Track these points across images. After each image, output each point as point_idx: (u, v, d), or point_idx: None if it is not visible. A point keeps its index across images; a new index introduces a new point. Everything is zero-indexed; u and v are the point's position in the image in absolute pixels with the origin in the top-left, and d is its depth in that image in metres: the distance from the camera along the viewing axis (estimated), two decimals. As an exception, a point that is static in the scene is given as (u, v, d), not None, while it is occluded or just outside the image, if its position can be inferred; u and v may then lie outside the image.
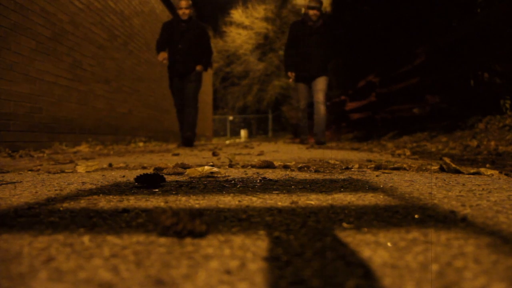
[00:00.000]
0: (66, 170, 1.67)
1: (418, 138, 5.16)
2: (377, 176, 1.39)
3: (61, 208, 0.80)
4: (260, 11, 28.19)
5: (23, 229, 0.63)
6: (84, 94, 5.12)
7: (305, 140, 5.79)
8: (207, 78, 15.04)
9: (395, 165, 1.75)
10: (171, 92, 5.29)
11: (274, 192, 1.01)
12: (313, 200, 0.89)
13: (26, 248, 0.52)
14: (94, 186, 1.14)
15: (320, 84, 5.34)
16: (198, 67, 5.17)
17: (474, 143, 3.61)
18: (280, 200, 0.88)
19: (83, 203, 0.87)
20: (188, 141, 5.04)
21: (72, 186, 1.14)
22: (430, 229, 0.61)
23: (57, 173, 1.58)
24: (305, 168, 1.66)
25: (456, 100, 5.47)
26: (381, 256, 0.48)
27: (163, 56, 5.07)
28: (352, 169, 1.66)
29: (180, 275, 0.42)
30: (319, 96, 5.32)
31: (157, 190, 1.06)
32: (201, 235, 0.57)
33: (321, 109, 5.26)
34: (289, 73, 5.56)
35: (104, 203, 0.87)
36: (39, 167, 1.90)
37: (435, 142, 4.41)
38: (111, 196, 0.96)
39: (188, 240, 0.55)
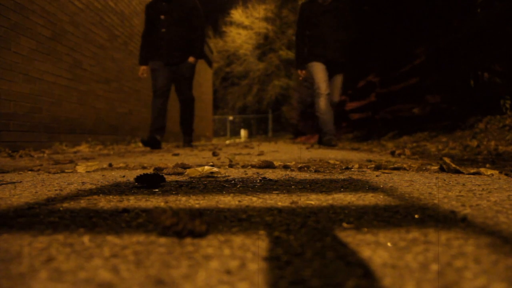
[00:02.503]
0: (66, 170, 1.67)
1: (418, 138, 5.16)
2: (377, 176, 1.39)
3: (61, 208, 0.80)
4: (260, 11, 28.22)
5: (23, 229, 0.63)
6: (84, 94, 5.12)
7: (332, 140, 4.57)
8: (207, 78, 15.01)
9: (395, 165, 1.75)
10: (151, 75, 4.38)
11: (274, 192, 1.01)
12: (313, 200, 0.89)
13: (26, 248, 0.52)
14: (94, 186, 1.14)
15: (336, 82, 4.72)
16: (191, 59, 4.38)
17: (474, 143, 3.61)
18: (280, 200, 0.88)
19: (83, 203, 0.87)
20: (189, 142, 4.74)
21: (72, 186, 1.14)
22: (430, 229, 0.61)
23: (57, 173, 1.58)
24: (305, 168, 1.66)
25: (456, 100, 5.47)
26: (381, 256, 0.48)
27: (142, 71, 4.43)
28: (352, 169, 1.66)
29: (180, 275, 0.42)
30: (335, 96, 4.72)
31: (157, 190, 1.06)
32: (201, 235, 0.57)
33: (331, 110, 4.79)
34: (299, 71, 4.84)
35: (104, 203, 0.87)
36: (39, 167, 1.90)
37: (435, 142, 4.41)
38: (111, 196, 0.96)
39: (188, 240, 0.55)
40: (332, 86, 4.69)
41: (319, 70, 4.56)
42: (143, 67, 4.48)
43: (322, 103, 4.55)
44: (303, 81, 15.18)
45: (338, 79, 4.74)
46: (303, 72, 4.78)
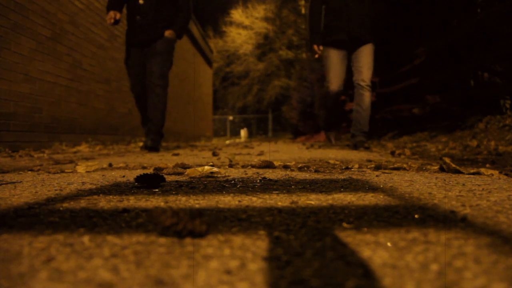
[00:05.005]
0: (66, 170, 1.67)
1: (418, 138, 5.16)
2: (377, 176, 1.38)
3: (61, 208, 0.80)
4: (260, 11, 28.23)
5: (23, 229, 0.63)
6: (84, 94, 5.11)
7: (333, 139, 4.21)
8: (207, 78, 15.01)
9: (395, 165, 1.75)
10: (126, 70, 3.73)
11: (274, 192, 1.01)
12: (313, 200, 0.89)
13: (26, 248, 0.52)
14: (94, 186, 1.14)
15: (366, 56, 3.72)
16: (168, 33, 3.58)
17: (474, 143, 3.61)
18: (280, 200, 0.88)
19: (83, 203, 0.87)
20: (152, 145, 3.47)
21: (72, 186, 1.14)
22: (430, 229, 0.61)
23: (57, 173, 1.58)
24: (305, 168, 1.66)
25: (456, 100, 5.47)
26: (381, 256, 0.48)
27: (112, 16, 3.44)
28: (352, 169, 1.66)
29: (180, 275, 0.42)
30: (364, 77, 3.71)
31: (157, 190, 1.06)
32: (201, 235, 0.57)
33: (365, 97, 3.75)
34: (315, 47, 3.86)
35: (104, 203, 0.87)
36: (39, 167, 1.89)
37: (435, 142, 4.41)
38: (111, 196, 0.96)
39: (188, 240, 0.55)
40: (356, 63, 3.78)
41: (334, 61, 3.76)
42: (113, 12, 3.47)
43: (330, 100, 3.94)
44: (303, 80, 15.15)
45: (365, 52, 3.76)
46: (321, 47, 3.85)
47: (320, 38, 3.86)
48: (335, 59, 3.80)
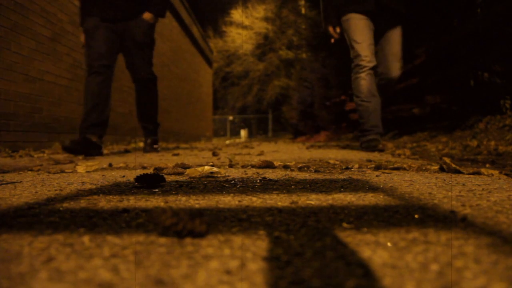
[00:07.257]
0: (66, 170, 1.67)
1: (418, 138, 5.16)
2: (377, 176, 1.38)
3: (61, 208, 0.80)
4: (260, 11, 28.24)
5: (23, 229, 0.63)
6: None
7: (376, 141, 2.95)
8: (207, 78, 15.00)
9: (395, 165, 1.75)
10: (85, 35, 3.03)
11: (274, 192, 1.01)
12: (313, 200, 0.89)
13: (26, 248, 0.52)
14: (94, 186, 1.14)
15: (396, 41, 2.98)
16: (147, 16, 3.03)
17: (474, 143, 3.61)
18: (280, 200, 0.88)
19: (83, 203, 0.87)
20: (151, 151, 3.28)
21: (72, 186, 1.14)
22: (430, 229, 0.61)
23: (57, 173, 1.58)
24: (305, 168, 1.66)
25: (456, 100, 5.47)
26: (381, 256, 0.48)
27: (84, 36, 3.03)
28: (352, 169, 1.66)
29: (180, 275, 0.42)
30: (394, 66, 3.00)
31: (157, 190, 1.06)
32: (201, 235, 0.57)
33: (390, 87, 3.16)
34: (330, 29, 3.09)
35: (104, 203, 0.87)
36: (39, 167, 1.89)
37: (435, 142, 4.41)
38: (111, 196, 0.96)
39: (188, 240, 0.55)
40: (385, 51, 3.02)
41: (360, 28, 2.89)
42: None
43: (364, 81, 2.91)
44: (303, 81, 15.13)
45: (396, 36, 3.01)
46: (338, 29, 3.09)
47: (337, 16, 3.04)
48: (360, 23, 2.90)
